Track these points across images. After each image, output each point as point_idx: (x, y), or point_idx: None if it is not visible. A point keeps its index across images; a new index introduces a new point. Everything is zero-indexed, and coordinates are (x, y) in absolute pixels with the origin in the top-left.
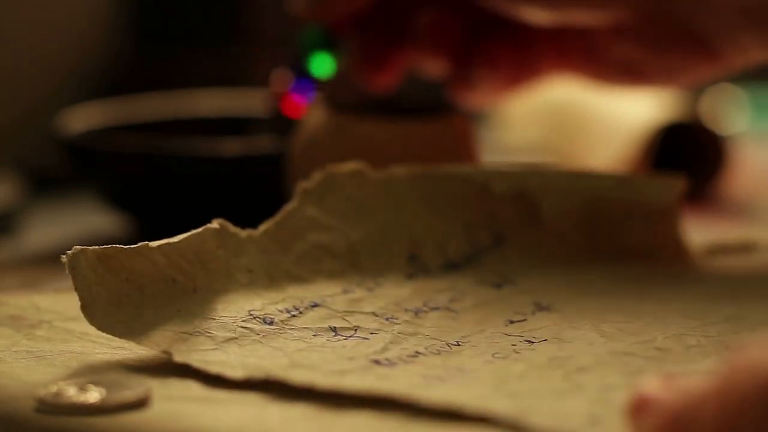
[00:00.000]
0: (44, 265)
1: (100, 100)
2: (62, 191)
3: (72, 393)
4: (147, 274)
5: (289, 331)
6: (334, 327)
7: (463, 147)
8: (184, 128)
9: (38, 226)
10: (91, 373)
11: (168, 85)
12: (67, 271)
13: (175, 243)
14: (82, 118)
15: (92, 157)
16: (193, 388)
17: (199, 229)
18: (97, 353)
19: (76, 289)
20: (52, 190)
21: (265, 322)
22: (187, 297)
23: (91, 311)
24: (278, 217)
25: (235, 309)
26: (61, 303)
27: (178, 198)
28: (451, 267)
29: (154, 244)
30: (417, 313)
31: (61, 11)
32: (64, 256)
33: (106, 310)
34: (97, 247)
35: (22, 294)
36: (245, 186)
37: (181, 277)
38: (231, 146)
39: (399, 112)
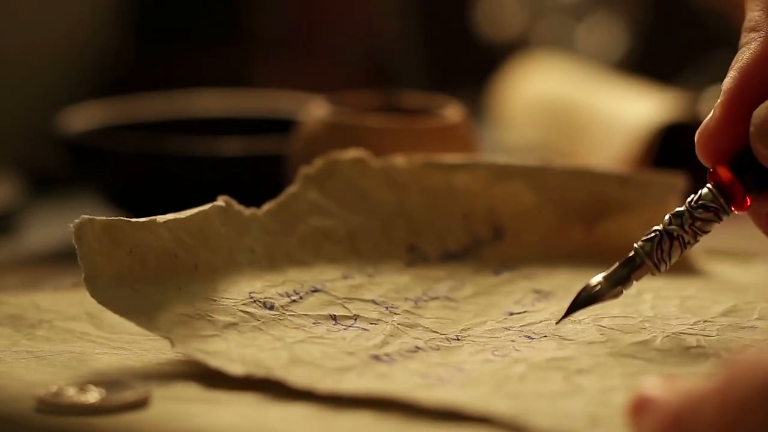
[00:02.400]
0: (44, 264)
1: (100, 99)
2: (62, 191)
3: (72, 393)
4: (151, 248)
5: (290, 318)
6: (335, 315)
7: (462, 147)
8: (184, 128)
9: (38, 226)
10: (91, 373)
11: (168, 85)
12: (73, 241)
13: (181, 219)
14: (82, 118)
15: (92, 156)
16: (193, 388)
17: (206, 206)
18: (97, 353)
19: (80, 258)
20: (52, 190)
21: (266, 307)
22: (188, 273)
23: (93, 283)
24: (280, 198)
25: (236, 290)
26: (61, 302)
27: (178, 198)
28: (450, 258)
29: (162, 218)
30: (417, 302)
31: (62, 12)
32: (71, 225)
33: (108, 284)
34: (104, 218)
35: (22, 293)
36: (245, 186)
37: (183, 253)
38: (231, 146)
39: (399, 112)
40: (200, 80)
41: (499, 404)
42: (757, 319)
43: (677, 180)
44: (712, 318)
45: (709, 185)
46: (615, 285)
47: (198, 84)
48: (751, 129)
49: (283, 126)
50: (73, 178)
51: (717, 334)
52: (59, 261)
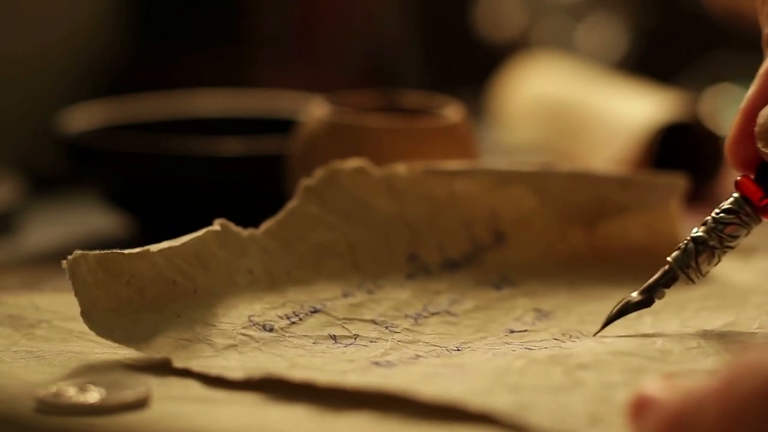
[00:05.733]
0: (44, 265)
1: (100, 99)
2: (62, 191)
3: (72, 393)
4: (147, 276)
5: (289, 339)
6: (334, 335)
7: (463, 147)
8: (184, 128)
9: (38, 226)
10: (90, 373)
11: (168, 85)
12: (67, 276)
13: (176, 246)
14: (82, 118)
15: (92, 156)
16: (193, 388)
17: (201, 231)
18: (97, 353)
19: (76, 294)
20: (52, 190)
21: (265, 329)
22: (187, 299)
23: (91, 317)
24: (280, 215)
25: (235, 314)
26: (60, 302)
27: (178, 198)
28: (451, 266)
29: (156, 247)
30: (417, 318)
31: (62, 12)
32: (64, 261)
33: (106, 316)
34: (97, 251)
35: (22, 293)
36: (245, 186)
37: (181, 279)
38: (231, 146)
39: (399, 112)
40: (200, 80)
41: (499, 398)
42: (757, 328)
43: (678, 181)
44: (712, 329)
45: (735, 194)
46: (647, 294)
47: (198, 84)
48: (756, 128)
49: (283, 126)
50: (73, 178)
51: (717, 338)
52: (59, 261)
